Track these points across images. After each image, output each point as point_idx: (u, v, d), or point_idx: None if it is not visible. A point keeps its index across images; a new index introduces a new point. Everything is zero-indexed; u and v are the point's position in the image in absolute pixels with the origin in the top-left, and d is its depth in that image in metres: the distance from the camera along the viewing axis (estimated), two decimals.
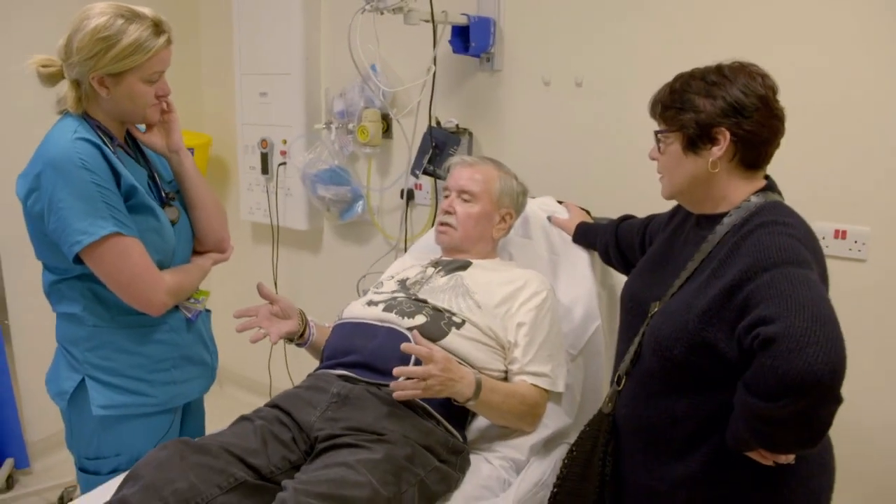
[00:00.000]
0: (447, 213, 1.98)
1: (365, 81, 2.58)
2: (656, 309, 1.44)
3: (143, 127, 1.74)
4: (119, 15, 1.50)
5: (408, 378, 1.51)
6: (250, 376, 3.50)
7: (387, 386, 1.62)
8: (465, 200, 1.97)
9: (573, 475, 1.58)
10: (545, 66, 2.38)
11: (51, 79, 1.58)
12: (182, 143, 1.76)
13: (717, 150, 1.35)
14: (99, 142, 1.56)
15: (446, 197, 2.02)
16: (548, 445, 1.81)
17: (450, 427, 1.65)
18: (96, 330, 1.65)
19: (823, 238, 1.96)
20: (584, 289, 2.05)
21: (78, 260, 1.55)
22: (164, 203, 1.72)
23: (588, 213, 2.22)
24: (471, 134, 2.56)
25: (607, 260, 2.01)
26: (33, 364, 2.26)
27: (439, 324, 1.73)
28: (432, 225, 2.10)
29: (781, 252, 1.23)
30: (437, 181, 2.58)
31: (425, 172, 2.47)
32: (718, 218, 1.39)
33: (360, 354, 1.72)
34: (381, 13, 2.13)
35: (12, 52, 1.74)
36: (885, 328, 1.94)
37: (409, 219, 2.80)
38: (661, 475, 1.41)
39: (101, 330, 1.66)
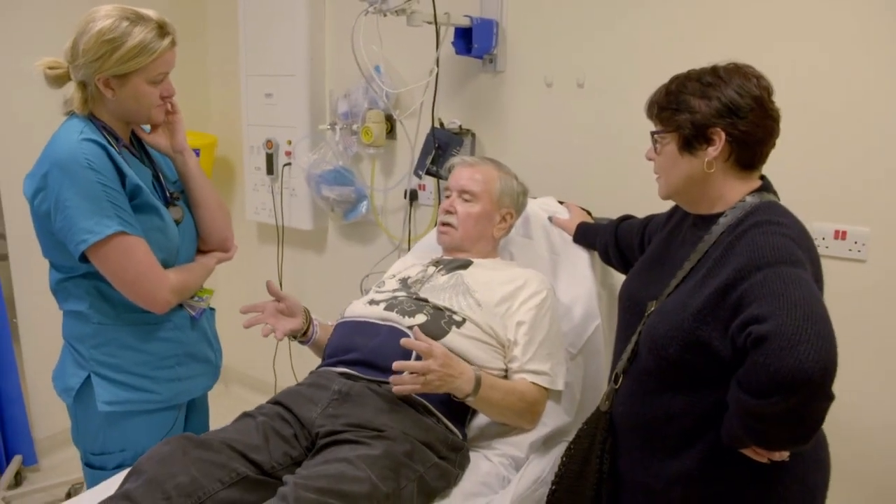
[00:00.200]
0: (448, 212, 2.00)
1: (368, 83, 2.60)
2: (653, 308, 1.45)
3: (148, 128, 1.77)
4: (124, 17, 1.53)
5: (408, 373, 1.53)
6: (255, 375, 3.52)
7: (387, 383, 1.64)
8: (466, 200, 1.99)
9: (571, 473, 1.59)
10: (547, 68, 2.40)
11: (57, 81, 1.61)
12: (186, 144, 1.78)
13: (713, 151, 1.36)
14: (104, 142, 1.58)
15: (447, 197, 2.04)
16: (547, 443, 1.82)
17: (449, 424, 1.67)
18: (102, 327, 1.68)
19: (823, 238, 1.97)
20: (584, 288, 2.06)
21: (84, 258, 1.57)
22: (168, 202, 1.75)
23: (589, 213, 2.23)
24: (473, 135, 2.58)
25: (607, 260, 2.02)
26: (41, 362, 2.29)
27: (440, 322, 1.75)
28: (435, 225, 2.13)
29: (775, 251, 1.24)
30: (441, 181, 2.60)
31: (428, 173, 2.49)
32: (714, 218, 1.41)
33: (362, 352, 1.74)
34: (385, 15, 2.15)
35: (19, 54, 1.77)
36: (885, 328, 1.94)
37: (413, 219, 2.82)
38: (657, 472, 1.43)
39: (107, 327, 1.68)
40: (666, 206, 1.64)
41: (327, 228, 3.17)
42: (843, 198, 1.95)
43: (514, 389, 1.73)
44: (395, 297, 1.86)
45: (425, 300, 1.83)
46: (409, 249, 2.62)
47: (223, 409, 2.13)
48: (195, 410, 1.93)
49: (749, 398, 1.17)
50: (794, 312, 1.13)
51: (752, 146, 1.37)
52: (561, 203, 2.27)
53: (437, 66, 2.41)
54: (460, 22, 2.36)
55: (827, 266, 1.93)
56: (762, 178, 1.44)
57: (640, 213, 1.93)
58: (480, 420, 1.80)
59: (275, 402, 1.67)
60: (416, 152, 2.57)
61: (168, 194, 1.76)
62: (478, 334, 1.77)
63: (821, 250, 1.94)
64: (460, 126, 2.57)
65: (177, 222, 1.74)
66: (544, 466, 1.74)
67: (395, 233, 2.89)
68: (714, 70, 1.38)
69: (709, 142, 1.36)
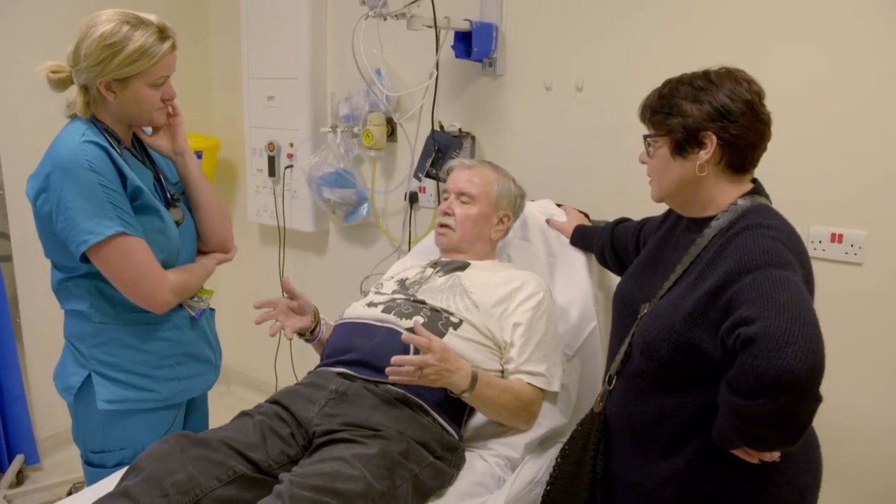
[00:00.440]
0: (446, 214, 2.02)
1: (369, 86, 2.62)
2: (646, 310, 1.47)
3: (149, 130, 1.79)
4: (125, 22, 1.55)
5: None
6: (257, 376, 3.55)
7: (384, 383, 1.67)
8: (464, 202, 2.01)
9: (566, 473, 1.61)
10: (546, 72, 2.41)
11: (60, 84, 1.63)
12: (187, 146, 1.80)
13: (704, 154, 1.37)
14: (106, 144, 1.60)
15: (445, 199, 2.06)
16: (543, 444, 1.83)
17: (445, 424, 1.69)
18: (102, 327, 1.70)
19: (820, 241, 1.98)
20: (580, 290, 2.08)
21: (85, 259, 1.60)
22: (169, 204, 1.76)
23: (587, 216, 2.24)
24: (473, 138, 2.59)
25: (603, 262, 2.04)
26: (44, 362, 2.31)
27: (437, 324, 1.77)
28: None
29: (764, 254, 1.26)
30: (441, 184, 2.62)
31: (428, 176, 2.50)
32: (707, 221, 1.42)
33: (360, 353, 1.75)
34: (385, 19, 2.16)
35: (22, 58, 1.79)
36: (882, 331, 1.95)
37: (413, 221, 2.84)
38: (650, 472, 1.44)
39: (107, 327, 1.70)
40: (662, 209, 1.66)
41: (328, 230, 3.19)
42: (840, 201, 1.96)
43: (510, 388, 1.75)
44: (394, 300, 1.88)
45: (423, 302, 1.84)
46: (409, 251, 2.63)
47: (224, 410, 2.15)
48: (195, 410, 1.95)
49: (738, 399, 1.18)
50: (782, 315, 1.15)
51: (744, 150, 1.38)
52: (559, 206, 2.28)
53: (437, 70, 2.42)
54: (460, 26, 2.38)
55: (824, 269, 1.96)
56: (754, 181, 1.46)
57: (638, 216, 1.95)
58: (476, 420, 1.81)
59: (273, 401, 1.69)
60: (417, 155, 2.59)
61: (169, 196, 1.78)
62: (474, 336, 1.78)
63: (817, 253, 1.97)
64: (460, 129, 2.58)
65: (177, 223, 1.76)
66: (540, 467, 1.76)
67: (396, 235, 2.90)
68: (706, 74, 1.40)
69: (700, 145, 1.38)
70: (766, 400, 1.13)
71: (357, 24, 2.23)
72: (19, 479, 2.85)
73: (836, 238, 1.97)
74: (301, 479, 1.36)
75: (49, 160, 1.58)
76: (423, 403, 1.67)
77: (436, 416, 1.68)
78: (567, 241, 2.16)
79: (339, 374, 1.73)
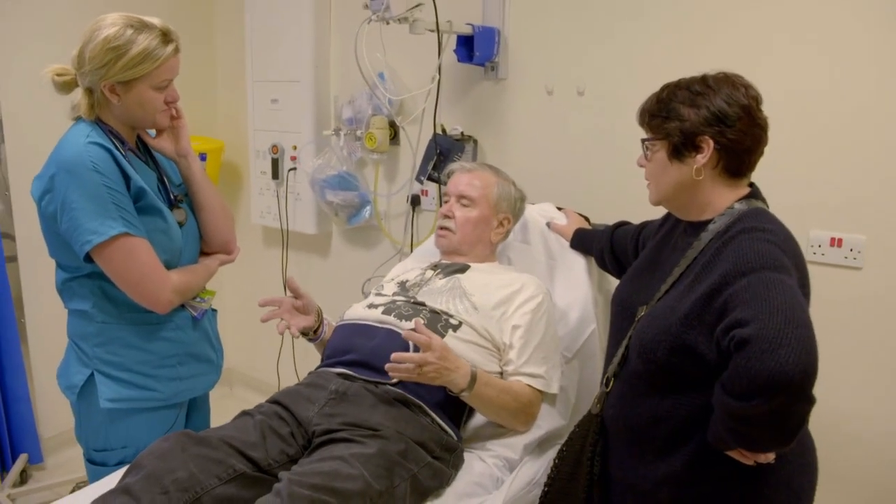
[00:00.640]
0: (446, 217, 2.04)
1: (372, 89, 2.64)
2: (643, 313, 1.48)
3: (153, 132, 1.81)
4: (129, 25, 1.57)
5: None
6: (259, 377, 3.57)
7: (384, 384, 1.68)
8: (464, 205, 2.02)
9: (563, 474, 1.62)
10: (548, 76, 2.43)
11: (65, 87, 1.65)
12: (190, 148, 1.82)
13: (701, 158, 1.39)
14: (110, 146, 1.62)
15: (446, 202, 2.08)
16: (542, 445, 1.84)
17: (444, 425, 1.70)
18: (105, 326, 1.72)
19: (820, 246, 1.99)
20: (580, 293, 2.08)
21: (88, 258, 1.61)
22: (172, 205, 1.78)
23: (587, 219, 2.25)
24: (475, 141, 2.61)
25: (602, 265, 2.05)
26: (48, 362, 2.32)
27: (436, 326, 1.78)
28: None
29: (760, 257, 1.27)
30: (443, 187, 2.63)
31: (430, 179, 2.52)
32: (704, 224, 1.43)
33: (360, 353, 1.77)
34: (388, 23, 2.18)
35: (28, 61, 1.80)
36: (881, 335, 1.95)
37: (416, 224, 2.85)
38: (646, 473, 1.45)
39: (110, 326, 1.72)
40: (662, 213, 1.66)
41: (331, 233, 3.21)
42: (840, 206, 1.97)
43: (508, 389, 1.76)
44: (394, 302, 1.89)
45: (423, 304, 1.86)
46: (411, 254, 2.65)
47: (227, 411, 2.15)
48: (196, 409, 1.97)
49: (732, 400, 1.19)
50: (776, 317, 1.16)
51: (740, 154, 1.39)
52: (559, 209, 2.29)
53: (440, 74, 2.44)
54: (462, 30, 2.40)
55: (823, 273, 1.97)
56: (751, 185, 1.47)
57: (638, 220, 1.95)
58: (475, 421, 1.83)
59: (273, 401, 1.70)
60: (419, 158, 2.60)
61: (172, 197, 1.80)
62: (474, 338, 1.79)
63: (817, 258, 1.98)
64: (462, 132, 2.60)
65: (180, 224, 1.77)
66: (538, 468, 1.77)
67: (398, 237, 2.92)
68: (704, 79, 1.41)
69: (697, 149, 1.39)
70: (760, 401, 1.14)
71: (360, 27, 2.25)
72: (23, 478, 2.87)
73: (836, 242, 1.98)
74: (300, 477, 1.37)
75: (54, 161, 1.60)
76: (422, 404, 1.68)
77: (435, 416, 1.69)
78: (567, 244, 2.17)
79: (339, 374, 1.74)
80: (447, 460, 1.65)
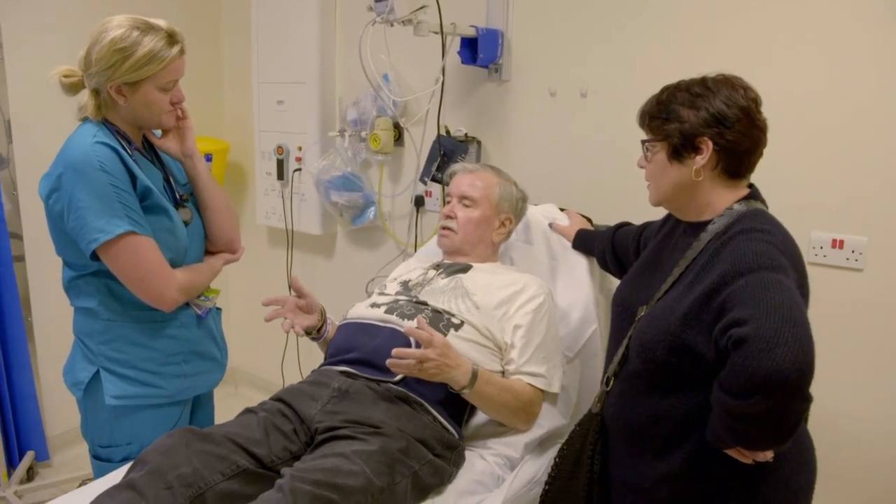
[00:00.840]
0: (448, 217, 2.05)
1: (377, 91, 2.65)
2: (643, 312, 1.49)
3: (159, 132, 1.82)
4: (135, 27, 1.59)
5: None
6: (263, 377, 3.58)
7: (386, 382, 1.69)
8: (466, 205, 2.04)
9: (564, 473, 1.63)
10: (551, 78, 2.44)
11: (72, 88, 1.68)
12: (195, 148, 1.84)
13: (701, 159, 1.40)
14: (117, 146, 1.64)
15: (448, 202, 2.09)
16: (543, 444, 1.85)
17: (445, 423, 1.71)
18: (110, 324, 1.74)
19: (822, 247, 2.00)
20: (581, 293, 2.10)
21: (95, 257, 1.63)
22: (177, 204, 1.80)
23: (589, 220, 2.27)
24: (479, 142, 2.62)
25: (604, 265, 2.06)
26: (54, 361, 2.35)
27: (438, 325, 1.79)
28: None
29: (758, 258, 1.28)
30: (446, 188, 2.64)
31: (434, 180, 2.53)
32: (703, 225, 1.44)
33: (362, 352, 1.78)
34: (392, 25, 2.20)
35: (36, 62, 1.82)
36: (882, 337, 1.96)
37: (420, 224, 2.87)
38: (645, 472, 1.46)
39: (115, 324, 1.74)
40: (663, 213, 1.67)
41: (336, 233, 3.22)
42: (841, 207, 1.98)
43: (509, 387, 1.77)
44: (397, 301, 1.91)
45: (425, 303, 1.87)
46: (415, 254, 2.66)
47: (232, 410, 2.16)
48: (200, 406, 1.99)
49: (729, 399, 1.20)
50: (773, 316, 1.17)
51: (739, 155, 1.40)
52: (562, 210, 2.31)
53: (444, 76, 2.45)
54: (466, 32, 2.41)
55: (824, 275, 1.97)
56: (750, 186, 1.48)
57: (640, 221, 1.96)
58: (477, 420, 1.84)
59: (276, 398, 1.72)
60: (423, 159, 2.62)
61: (178, 196, 1.82)
62: (475, 337, 1.81)
63: (818, 259, 1.99)
64: (466, 134, 2.61)
65: (186, 223, 1.79)
66: (539, 467, 1.78)
67: (402, 238, 2.93)
68: (703, 81, 1.42)
69: (697, 151, 1.40)
70: (757, 399, 1.15)
71: (365, 29, 2.27)
72: (29, 475, 2.89)
73: (838, 244, 1.99)
74: (302, 473, 1.38)
75: (61, 161, 1.62)
76: (423, 402, 1.70)
77: (436, 414, 1.70)
78: (569, 244, 2.19)
79: (342, 372, 1.76)
80: (448, 458, 1.66)
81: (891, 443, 1.98)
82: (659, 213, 1.66)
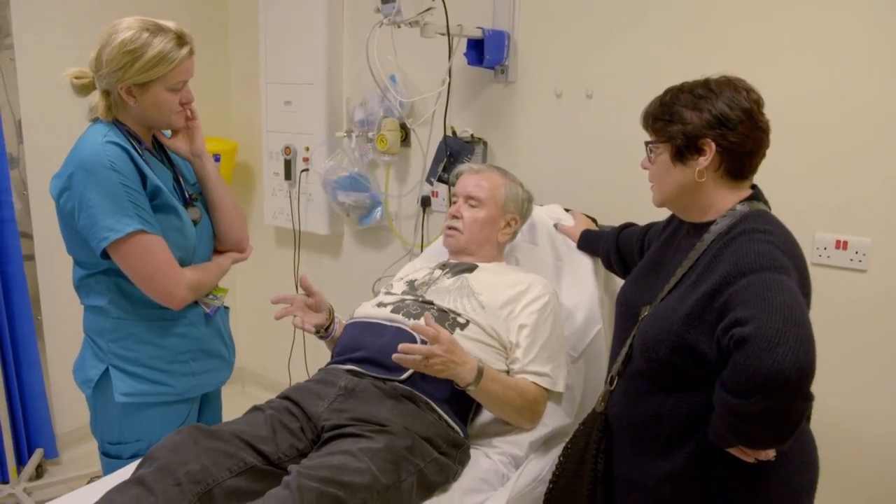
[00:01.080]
0: (454, 217, 2.07)
1: (384, 92, 2.67)
2: (646, 312, 1.50)
3: (169, 133, 1.84)
4: (144, 29, 1.61)
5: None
6: (271, 376, 3.60)
7: (392, 380, 1.71)
8: (472, 206, 2.05)
9: (568, 472, 1.63)
10: (557, 79, 2.45)
11: (83, 89, 1.70)
12: (204, 148, 1.86)
13: (704, 161, 1.41)
14: (127, 145, 1.66)
15: (454, 202, 2.10)
16: (547, 443, 1.86)
17: (451, 421, 1.72)
18: (120, 322, 1.76)
19: (825, 248, 2.01)
20: (586, 293, 2.11)
21: (105, 255, 1.65)
22: (187, 204, 1.82)
23: (594, 221, 2.28)
24: (485, 143, 2.64)
25: (609, 266, 2.07)
26: (63, 359, 2.36)
27: (444, 325, 1.80)
28: None
29: (759, 258, 1.29)
30: (453, 188, 2.65)
31: (440, 180, 2.55)
32: (706, 226, 1.45)
33: (369, 351, 1.80)
34: (399, 26, 2.21)
35: (48, 64, 1.84)
36: (884, 337, 1.97)
37: (426, 225, 2.89)
38: (648, 470, 1.47)
39: (125, 322, 1.76)
40: (667, 214, 1.68)
41: (343, 233, 3.24)
42: (845, 208, 1.98)
43: (515, 386, 1.78)
44: (403, 300, 1.92)
45: (431, 303, 1.88)
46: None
47: (239, 409, 2.18)
48: (208, 404, 2.01)
49: (731, 398, 1.21)
50: (775, 316, 1.18)
51: (742, 157, 1.41)
52: (567, 211, 2.32)
53: (450, 77, 2.47)
54: (473, 34, 2.43)
55: (828, 276, 1.98)
56: (753, 187, 1.49)
57: (644, 222, 1.97)
58: (482, 418, 1.85)
59: (283, 396, 1.73)
60: (429, 160, 2.64)
61: (187, 196, 1.84)
62: (481, 336, 1.82)
63: (822, 260, 2.00)
64: (472, 135, 2.63)
65: (195, 223, 1.81)
66: (543, 465, 1.79)
67: (409, 238, 2.95)
68: (706, 83, 1.43)
69: (700, 152, 1.41)
70: (758, 398, 1.16)
71: (372, 31, 2.29)
72: (39, 472, 2.92)
73: (841, 245, 2.00)
74: (309, 470, 1.40)
75: (72, 160, 1.64)
76: (429, 400, 1.71)
77: (442, 413, 1.71)
78: (574, 245, 2.20)
79: (349, 371, 1.77)
80: (453, 456, 1.67)
81: (892, 442, 1.99)
82: (663, 214, 1.67)
